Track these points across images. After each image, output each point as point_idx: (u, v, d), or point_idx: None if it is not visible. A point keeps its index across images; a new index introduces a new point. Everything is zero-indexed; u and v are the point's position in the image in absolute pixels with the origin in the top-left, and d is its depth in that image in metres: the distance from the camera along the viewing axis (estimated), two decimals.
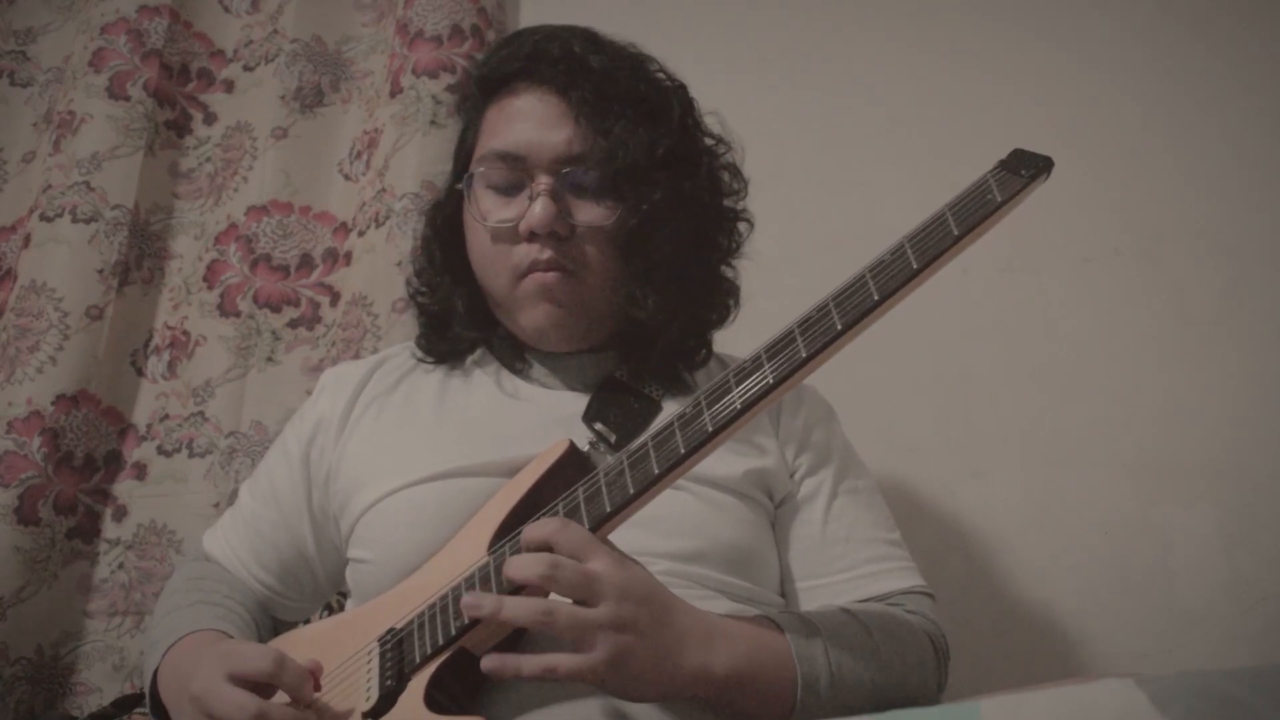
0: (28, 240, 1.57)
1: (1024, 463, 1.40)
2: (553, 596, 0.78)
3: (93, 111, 1.62)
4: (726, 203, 1.10)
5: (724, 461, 0.96)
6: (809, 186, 1.54)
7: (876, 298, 0.77)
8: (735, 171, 1.11)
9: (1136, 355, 1.40)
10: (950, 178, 1.49)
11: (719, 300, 1.09)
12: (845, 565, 1.00)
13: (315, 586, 1.10)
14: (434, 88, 1.55)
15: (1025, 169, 0.78)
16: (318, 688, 0.86)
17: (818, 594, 0.98)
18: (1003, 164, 0.79)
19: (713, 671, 0.80)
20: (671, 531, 0.92)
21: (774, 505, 1.02)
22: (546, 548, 0.78)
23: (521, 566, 0.77)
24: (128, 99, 1.63)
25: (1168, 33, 1.50)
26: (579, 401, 1.04)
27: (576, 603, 0.77)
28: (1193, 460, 1.34)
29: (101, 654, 1.42)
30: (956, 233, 0.77)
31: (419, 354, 1.12)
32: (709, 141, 1.10)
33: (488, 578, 0.83)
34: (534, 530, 0.80)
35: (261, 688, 0.83)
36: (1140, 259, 1.43)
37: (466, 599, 0.79)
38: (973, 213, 0.77)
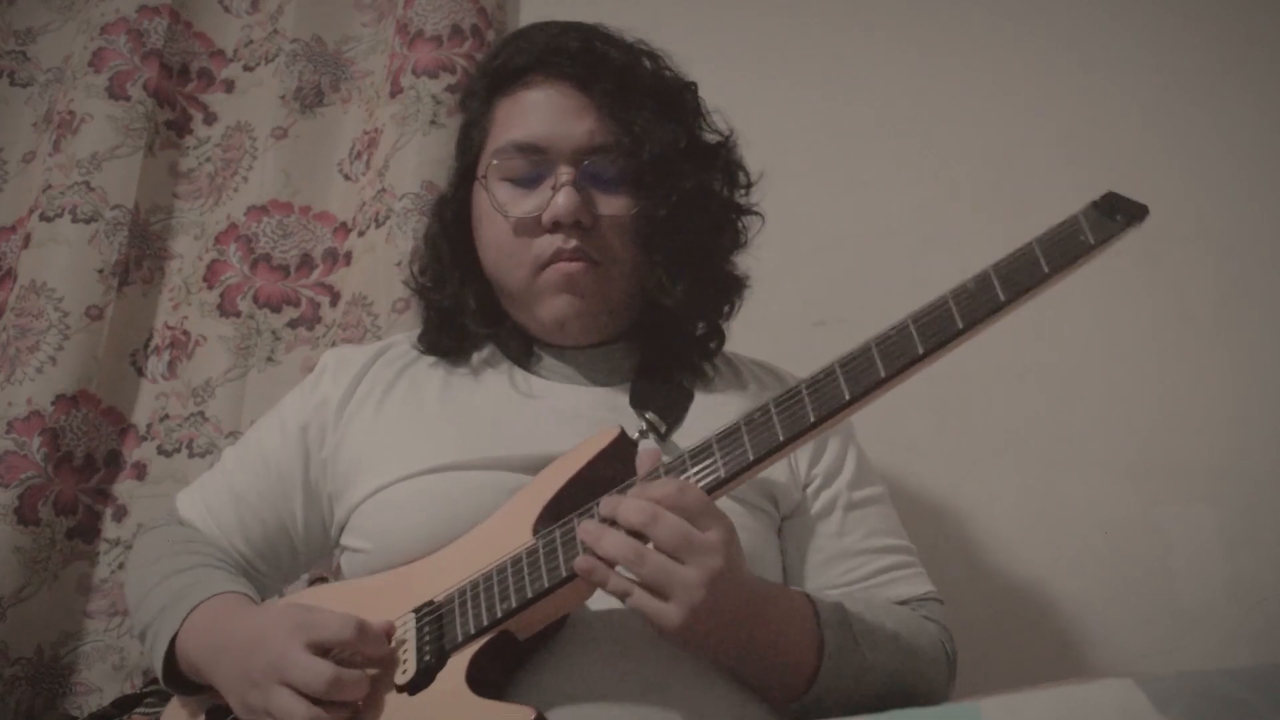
0: (28, 240, 1.57)
1: (1024, 462, 1.40)
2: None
3: (93, 111, 1.62)
4: (739, 196, 1.11)
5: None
6: (808, 186, 1.54)
7: (960, 325, 0.76)
8: (744, 166, 1.12)
9: (1136, 355, 1.40)
10: (950, 177, 1.51)
11: (734, 291, 1.11)
12: (860, 576, 1.01)
13: (293, 562, 1.10)
14: (434, 88, 1.55)
15: (1120, 214, 0.75)
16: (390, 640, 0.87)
17: None
18: (1096, 205, 0.77)
19: (751, 648, 0.84)
20: None
21: (780, 515, 1.02)
22: (654, 508, 0.78)
23: (626, 510, 0.79)
24: (128, 99, 1.63)
25: (1168, 33, 1.50)
26: (591, 395, 1.04)
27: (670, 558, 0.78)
28: (1193, 460, 1.34)
29: (101, 654, 1.42)
30: (1046, 270, 0.76)
31: (420, 348, 1.12)
32: (718, 137, 1.11)
33: (536, 561, 0.83)
34: (651, 489, 0.80)
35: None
36: (1140, 259, 1.43)
37: (585, 524, 0.81)
38: (1064, 252, 0.76)
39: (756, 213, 1.12)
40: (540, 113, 1.02)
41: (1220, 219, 1.42)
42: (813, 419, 0.79)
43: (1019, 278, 0.76)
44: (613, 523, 0.80)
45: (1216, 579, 1.30)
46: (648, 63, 1.08)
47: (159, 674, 0.97)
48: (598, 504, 0.83)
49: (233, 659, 0.88)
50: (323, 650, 0.84)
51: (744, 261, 1.13)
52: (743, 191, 1.11)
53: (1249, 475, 1.32)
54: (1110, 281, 1.43)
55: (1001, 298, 0.76)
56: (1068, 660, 1.31)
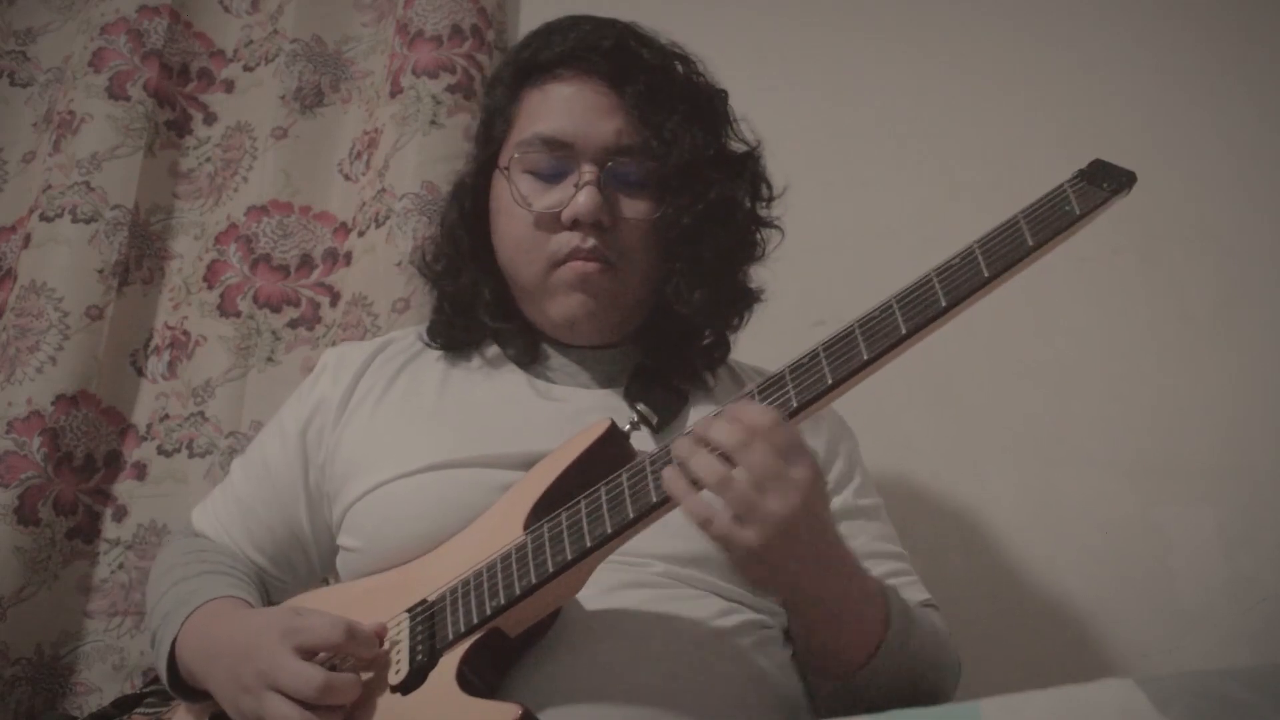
0: (28, 240, 1.57)
1: (1023, 462, 1.40)
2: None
3: (93, 111, 1.61)
4: (760, 209, 1.10)
5: None
6: (808, 186, 1.54)
7: (944, 304, 0.76)
8: (767, 178, 1.12)
9: (1136, 355, 1.40)
10: (950, 179, 1.50)
11: (747, 304, 1.10)
12: None
13: (309, 568, 1.09)
14: (434, 88, 1.55)
15: (1107, 182, 0.75)
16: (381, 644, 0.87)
17: None
18: (1082, 174, 0.76)
19: (825, 599, 0.83)
20: (670, 534, 0.91)
21: None
22: (747, 435, 0.76)
23: (719, 430, 0.77)
24: (128, 99, 1.63)
25: (1168, 33, 1.50)
26: (595, 396, 1.04)
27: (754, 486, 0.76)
28: (1193, 460, 1.34)
29: (101, 654, 1.42)
30: (1031, 243, 0.74)
31: (427, 339, 1.11)
32: (744, 147, 1.10)
33: (525, 557, 0.83)
34: (746, 414, 0.77)
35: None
36: (1140, 259, 1.43)
37: (680, 442, 0.78)
38: (1049, 224, 0.75)
39: (777, 226, 1.12)
40: (569, 108, 1.01)
41: (1220, 219, 1.42)
42: (795, 404, 0.79)
43: (1004, 253, 0.75)
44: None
45: (1216, 579, 1.29)
46: (680, 66, 1.07)
47: (164, 681, 0.97)
48: (593, 490, 0.83)
49: (224, 665, 0.88)
50: (312, 654, 0.83)
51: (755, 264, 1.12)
52: (765, 204, 1.11)
53: (1249, 475, 1.32)
54: (1110, 281, 1.43)
55: (985, 274, 0.75)
56: (1068, 660, 1.31)
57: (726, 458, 0.76)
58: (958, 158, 1.51)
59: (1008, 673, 1.30)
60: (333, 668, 0.84)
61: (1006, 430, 1.41)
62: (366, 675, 0.85)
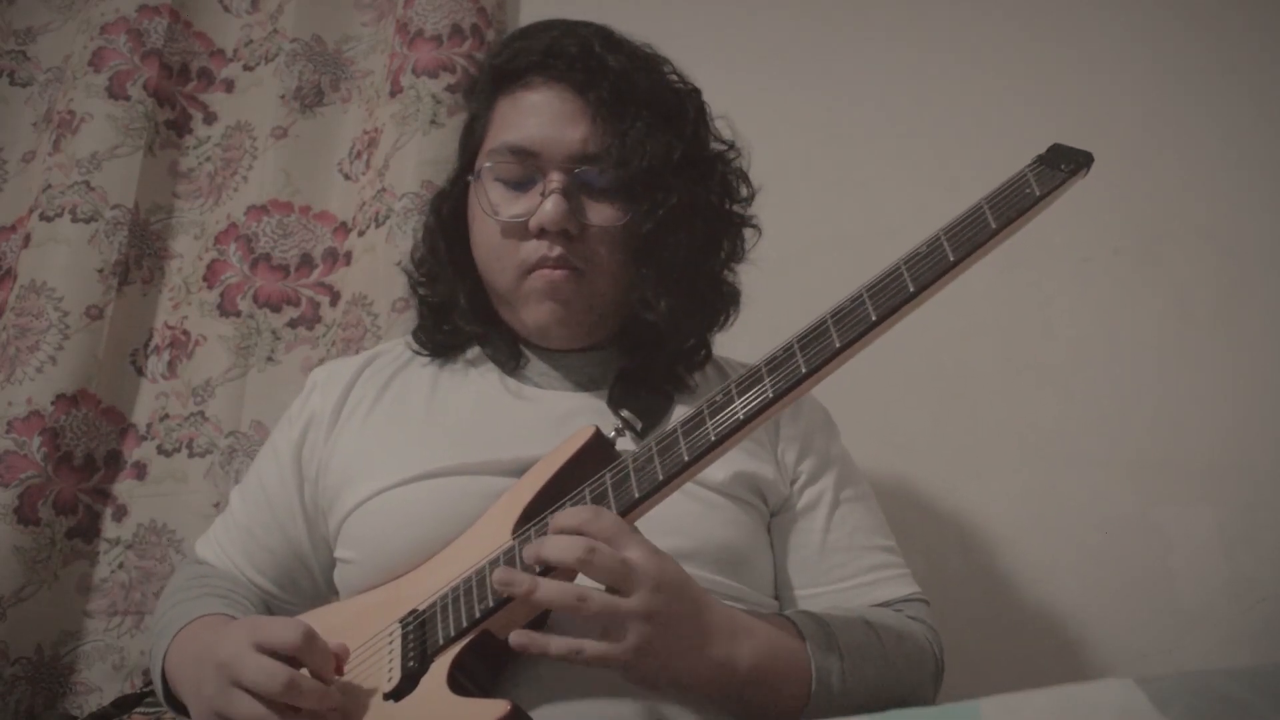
0: (28, 240, 1.57)
1: (1023, 462, 1.40)
2: (582, 580, 0.79)
3: (93, 111, 1.62)
4: (736, 209, 1.10)
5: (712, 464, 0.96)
6: (809, 187, 1.54)
7: (912, 289, 0.77)
8: (744, 178, 1.11)
9: (1136, 355, 1.40)
10: (950, 178, 1.51)
11: (723, 305, 1.10)
12: (846, 574, 1.00)
13: (314, 587, 1.10)
14: (434, 87, 1.55)
15: (1064, 164, 0.78)
16: (339, 671, 0.86)
17: (819, 602, 0.99)
18: (1041, 158, 0.79)
19: (733, 667, 0.82)
20: (663, 530, 0.90)
21: (769, 510, 1.02)
22: (578, 535, 0.79)
23: (559, 548, 0.78)
24: (128, 99, 1.63)
25: (1168, 33, 1.50)
26: (577, 400, 1.04)
27: (609, 589, 0.78)
28: (1193, 460, 1.34)
29: (101, 654, 1.42)
30: (994, 226, 0.77)
31: (415, 346, 1.11)
32: (720, 147, 1.10)
33: (513, 560, 0.84)
34: (565, 518, 0.80)
35: (288, 661, 0.82)
36: (1140, 259, 1.43)
37: (499, 574, 0.79)
38: (1010, 206, 0.77)
39: (754, 225, 1.11)
40: (536, 116, 1.02)
41: (1220, 219, 1.42)
42: (772, 395, 0.80)
43: (968, 236, 0.77)
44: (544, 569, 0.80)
45: (1216, 579, 1.30)
46: (650, 68, 1.06)
47: (161, 699, 0.98)
48: (577, 492, 0.84)
49: (192, 673, 0.89)
50: (273, 654, 0.82)
51: (742, 265, 1.11)
52: (743, 203, 1.10)
53: (1249, 475, 1.32)
54: (1110, 281, 1.43)
55: (951, 258, 0.77)
56: (1068, 660, 1.31)
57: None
58: (958, 157, 1.51)
59: (1007, 672, 1.30)
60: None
61: (1006, 429, 1.42)
62: (362, 686, 0.85)
